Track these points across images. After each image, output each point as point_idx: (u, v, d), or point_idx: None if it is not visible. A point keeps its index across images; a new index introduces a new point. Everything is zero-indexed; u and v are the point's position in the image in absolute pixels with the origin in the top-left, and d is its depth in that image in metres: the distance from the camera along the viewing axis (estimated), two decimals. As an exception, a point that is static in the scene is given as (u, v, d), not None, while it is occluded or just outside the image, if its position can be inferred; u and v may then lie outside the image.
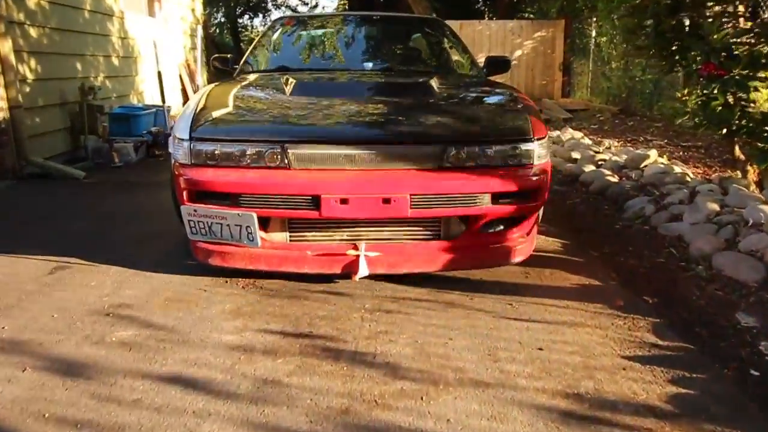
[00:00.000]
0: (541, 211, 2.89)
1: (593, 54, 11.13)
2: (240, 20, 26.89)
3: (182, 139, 2.55)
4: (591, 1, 10.41)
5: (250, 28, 27.45)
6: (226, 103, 2.85)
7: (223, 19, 25.82)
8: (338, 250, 2.55)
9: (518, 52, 12.38)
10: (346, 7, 21.89)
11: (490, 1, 19.64)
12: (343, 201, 2.38)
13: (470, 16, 16.75)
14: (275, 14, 27.87)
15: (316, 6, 21.42)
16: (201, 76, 9.05)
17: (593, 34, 11.03)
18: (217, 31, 26.52)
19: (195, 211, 2.47)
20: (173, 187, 2.75)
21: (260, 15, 26.29)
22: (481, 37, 12.26)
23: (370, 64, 3.93)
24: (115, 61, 6.97)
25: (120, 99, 7.04)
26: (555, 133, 7.22)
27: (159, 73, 7.12)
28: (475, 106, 3.13)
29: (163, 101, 7.14)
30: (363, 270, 2.49)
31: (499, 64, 3.93)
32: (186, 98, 10.07)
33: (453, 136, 2.59)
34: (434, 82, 3.15)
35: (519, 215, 2.62)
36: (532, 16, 18.39)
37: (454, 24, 12.54)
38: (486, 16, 18.05)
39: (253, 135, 2.51)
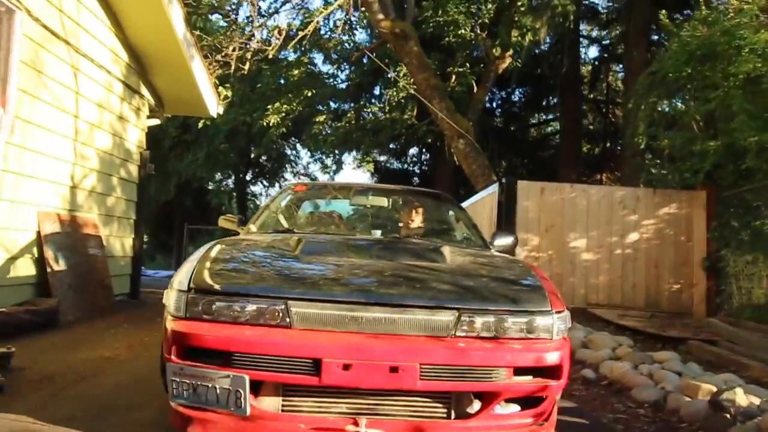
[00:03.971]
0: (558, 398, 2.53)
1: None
2: (254, 188, 23.70)
3: (180, 291, 2.39)
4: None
5: (264, 196, 24.05)
6: (231, 257, 2.74)
7: (231, 185, 22.57)
8: (335, 425, 2.25)
9: (633, 236, 7.71)
10: (375, 178, 18.35)
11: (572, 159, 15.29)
12: (347, 367, 2.18)
13: (542, 176, 12.42)
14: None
15: (338, 171, 17.86)
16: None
17: (775, 211, 6.34)
18: (225, 200, 23.24)
19: (181, 369, 2.25)
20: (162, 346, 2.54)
21: (276, 184, 23.01)
22: (573, 208, 7.71)
23: (378, 233, 3.89)
24: None
25: None
26: None
27: None
28: (489, 276, 2.74)
29: None
30: None
31: (506, 246, 3.75)
32: (44, 276, 5.37)
33: (467, 304, 2.37)
34: (445, 250, 3.04)
35: (537, 396, 2.34)
36: (618, 174, 14.07)
37: (533, 187, 8.12)
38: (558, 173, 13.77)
39: (256, 290, 2.38)
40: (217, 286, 2.38)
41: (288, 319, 2.29)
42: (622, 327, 6.12)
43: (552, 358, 2.32)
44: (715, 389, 3.14)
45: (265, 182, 23.19)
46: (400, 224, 4.21)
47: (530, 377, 2.33)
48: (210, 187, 21.86)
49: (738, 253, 7.18)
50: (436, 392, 2.29)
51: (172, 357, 2.29)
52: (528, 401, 2.36)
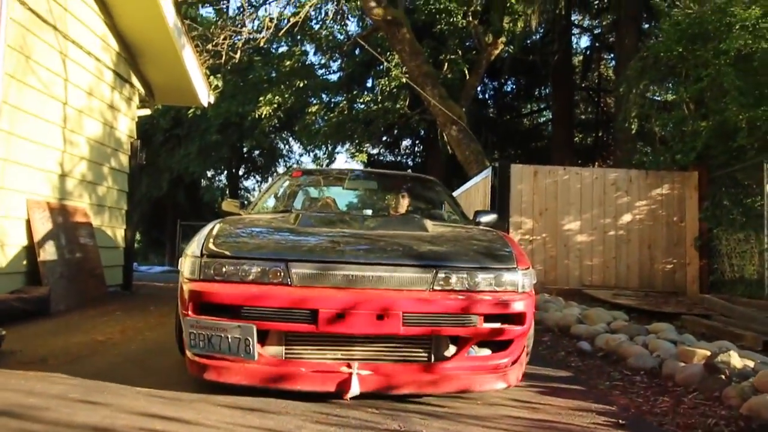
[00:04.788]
0: (530, 343, 3.04)
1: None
2: (247, 183, 23.61)
3: (194, 256, 2.73)
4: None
5: (256, 191, 23.92)
6: (237, 230, 3.10)
7: (224, 182, 22.47)
8: (332, 368, 2.58)
9: (626, 217, 7.74)
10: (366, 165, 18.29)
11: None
12: (339, 315, 2.49)
13: (532, 158, 12.17)
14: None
15: (331, 164, 17.77)
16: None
17: None
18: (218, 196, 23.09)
19: (197, 322, 2.57)
20: (177, 306, 2.89)
21: (269, 179, 22.92)
22: (567, 190, 7.71)
23: (369, 211, 4.51)
24: None
25: None
26: None
27: None
28: (463, 240, 3.19)
29: None
30: (355, 389, 2.52)
31: (488, 222, 4.01)
32: (35, 265, 5.32)
33: (443, 263, 2.71)
34: (427, 223, 3.37)
35: (505, 340, 2.69)
36: (611, 162, 14.00)
37: (526, 170, 8.06)
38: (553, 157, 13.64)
39: (259, 254, 2.72)
40: (227, 252, 2.73)
41: (288, 278, 2.61)
42: (617, 305, 6.14)
43: (517, 307, 2.67)
44: (709, 354, 3.14)
45: (257, 177, 23.14)
46: (390, 204, 4.48)
47: (498, 324, 2.65)
48: (203, 183, 21.75)
49: (730, 231, 7.21)
50: (417, 337, 2.62)
51: (189, 313, 2.62)
52: (498, 345, 2.70)
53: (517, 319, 2.68)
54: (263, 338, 2.58)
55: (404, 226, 3.41)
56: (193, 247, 2.82)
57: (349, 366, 2.56)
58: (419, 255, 2.78)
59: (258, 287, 2.59)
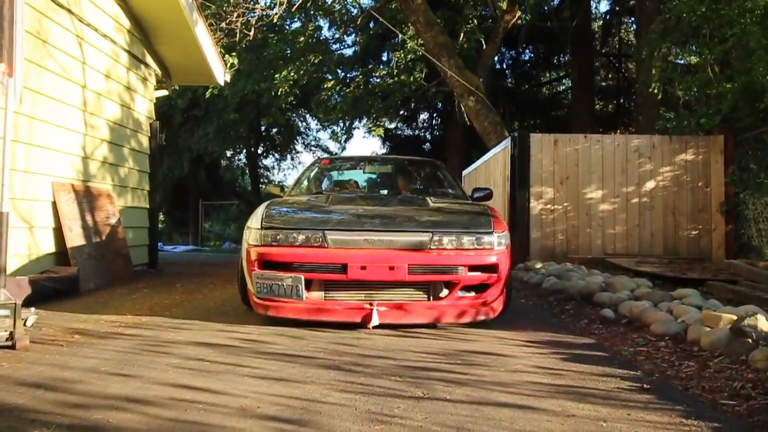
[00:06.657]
0: (510, 291, 4.09)
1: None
2: (266, 161, 23.67)
3: (256, 229, 3.76)
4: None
5: (276, 170, 23.97)
6: (284, 208, 4.19)
7: (244, 161, 22.54)
8: (358, 306, 3.60)
9: (649, 184, 7.60)
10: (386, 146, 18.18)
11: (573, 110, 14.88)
12: (363, 267, 3.49)
13: (552, 127, 11.77)
14: (305, 156, 24.86)
15: (348, 139, 17.66)
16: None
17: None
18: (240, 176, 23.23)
19: (262, 275, 3.59)
20: (241, 267, 4.00)
21: (288, 157, 22.95)
22: (588, 158, 7.59)
23: (385, 191, 5.62)
24: None
25: None
26: None
27: None
28: (455, 212, 4.23)
29: None
30: (375, 320, 3.51)
31: (482, 196, 4.96)
32: (63, 246, 5.43)
33: (438, 228, 3.71)
34: (428, 198, 4.56)
35: (484, 284, 3.67)
36: (633, 130, 13.62)
37: (546, 139, 7.94)
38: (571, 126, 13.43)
39: (303, 225, 3.75)
40: (279, 225, 3.74)
41: (325, 242, 3.60)
42: (641, 273, 6.07)
43: (492, 259, 3.65)
44: (736, 318, 3.10)
45: (276, 155, 23.15)
46: (401, 184, 5.45)
47: (479, 273, 3.63)
48: (223, 163, 21.85)
49: (757, 195, 7.05)
50: (419, 283, 3.63)
51: (255, 268, 3.64)
52: (479, 288, 3.66)
53: (493, 269, 3.64)
54: (308, 286, 3.55)
55: (410, 201, 4.49)
56: (255, 222, 3.82)
57: (370, 304, 3.55)
58: (420, 223, 3.81)
59: (304, 249, 3.58)
